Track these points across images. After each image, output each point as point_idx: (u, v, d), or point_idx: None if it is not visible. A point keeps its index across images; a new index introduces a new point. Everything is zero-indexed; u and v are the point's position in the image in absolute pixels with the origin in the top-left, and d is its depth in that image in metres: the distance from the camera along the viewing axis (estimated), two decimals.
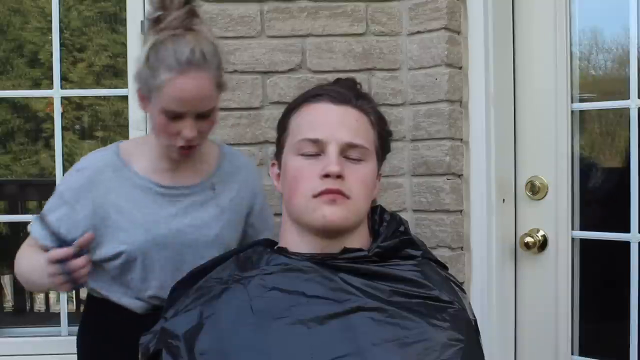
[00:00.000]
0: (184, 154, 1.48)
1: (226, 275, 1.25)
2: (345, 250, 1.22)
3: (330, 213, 1.19)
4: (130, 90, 2.00)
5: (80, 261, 1.36)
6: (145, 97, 1.47)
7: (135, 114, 2.00)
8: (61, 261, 1.35)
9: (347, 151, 1.23)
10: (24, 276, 1.54)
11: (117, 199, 1.49)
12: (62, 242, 1.45)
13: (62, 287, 1.38)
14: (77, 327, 1.69)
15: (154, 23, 1.43)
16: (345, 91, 1.28)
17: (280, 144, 1.31)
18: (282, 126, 1.31)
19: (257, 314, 1.15)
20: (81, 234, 1.46)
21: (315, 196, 1.20)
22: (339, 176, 1.19)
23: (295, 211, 1.23)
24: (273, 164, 1.35)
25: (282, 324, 1.13)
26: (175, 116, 1.41)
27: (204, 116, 1.44)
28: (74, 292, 3.85)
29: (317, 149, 1.22)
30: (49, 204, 1.55)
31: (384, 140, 1.32)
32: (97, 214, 1.49)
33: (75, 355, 1.68)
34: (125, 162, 1.52)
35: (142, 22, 1.98)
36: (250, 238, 1.61)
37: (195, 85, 1.40)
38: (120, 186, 1.50)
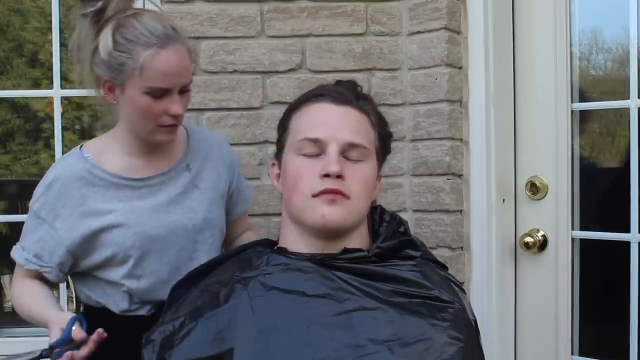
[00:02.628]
0: (172, 133, 1.45)
1: (227, 277, 1.25)
2: (345, 251, 1.22)
3: (329, 213, 1.19)
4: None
5: (82, 351, 1.32)
6: (115, 87, 1.42)
7: None
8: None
9: (347, 151, 1.23)
10: (24, 316, 1.51)
11: (95, 204, 1.44)
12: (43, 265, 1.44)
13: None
14: None
15: (97, 15, 1.40)
16: (346, 92, 1.28)
17: (280, 144, 1.32)
18: (283, 126, 1.32)
19: (257, 314, 1.15)
20: (65, 252, 1.44)
21: (314, 195, 1.20)
22: (339, 176, 1.19)
23: (294, 210, 1.24)
24: (273, 164, 1.35)
25: (282, 324, 1.14)
26: (161, 94, 1.38)
27: (184, 91, 1.43)
28: (74, 292, 3.85)
29: (318, 148, 1.22)
30: (27, 225, 1.49)
31: (384, 141, 1.32)
32: (77, 226, 1.44)
33: None
34: (95, 163, 1.47)
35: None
36: (227, 210, 1.60)
37: (178, 57, 1.39)
38: (95, 190, 1.45)
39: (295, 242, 1.25)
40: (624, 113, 1.91)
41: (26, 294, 1.48)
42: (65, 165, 1.49)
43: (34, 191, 1.48)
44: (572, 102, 1.94)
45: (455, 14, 1.92)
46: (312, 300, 1.15)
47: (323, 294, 1.16)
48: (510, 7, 1.97)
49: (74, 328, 1.31)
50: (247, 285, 1.20)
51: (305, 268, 1.19)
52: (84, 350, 1.31)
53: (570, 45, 1.94)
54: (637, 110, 1.84)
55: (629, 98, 1.86)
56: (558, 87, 1.92)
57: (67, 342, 1.30)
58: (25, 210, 3.95)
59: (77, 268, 1.49)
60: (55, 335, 1.34)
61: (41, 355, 1.30)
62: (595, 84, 2.07)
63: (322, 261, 1.21)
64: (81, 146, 1.52)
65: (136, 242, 1.45)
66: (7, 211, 3.96)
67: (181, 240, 1.48)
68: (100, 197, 1.45)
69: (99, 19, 1.40)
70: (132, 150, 1.49)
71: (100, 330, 1.32)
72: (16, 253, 1.49)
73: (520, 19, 1.97)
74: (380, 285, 1.17)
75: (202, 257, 1.49)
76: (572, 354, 1.96)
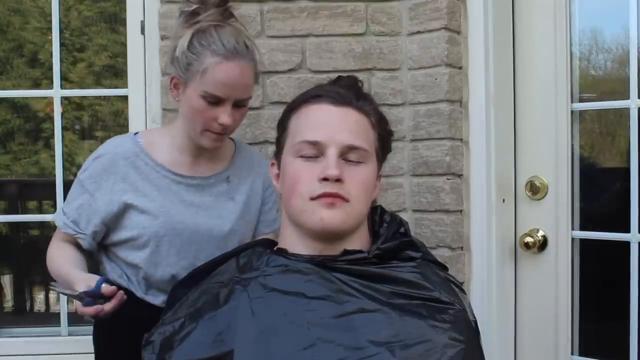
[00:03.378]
0: (217, 140, 1.52)
1: (227, 278, 1.25)
2: (345, 252, 1.22)
3: (328, 216, 1.19)
4: (130, 90, 2.02)
5: (107, 306, 1.37)
6: (179, 84, 1.52)
7: (135, 110, 2.01)
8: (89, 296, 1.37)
9: (346, 153, 1.22)
10: (55, 275, 1.56)
11: (135, 183, 1.53)
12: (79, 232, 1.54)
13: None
14: (82, 326, 1.69)
15: (190, 16, 1.50)
16: (346, 92, 1.27)
17: (279, 144, 1.31)
18: (282, 126, 1.31)
19: (258, 316, 1.15)
20: (100, 222, 1.53)
21: (313, 199, 1.19)
22: (338, 179, 1.19)
23: (293, 213, 1.23)
24: (272, 164, 1.34)
25: (282, 325, 1.13)
26: (215, 101, 1.47)
27: (240, 105, 1.51)
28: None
29: (317, 151, 1.22)
30: (71, 192, 1.59)
31: (384, 141, 1.31)
32: (115, 198, 1.52)
33: (76, 355, 1.68)
34: (144, 149, 1.56)
35: (141, 22, 1.98)
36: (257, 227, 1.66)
37: (240, 72, 1.47)
38: (138, 171, 1.53)
39: (295, 243, 1.25)
40: (624, 113, 1.91)
41: (60, 255, 1.56)
42: (116, 143, 1.59)
43: (84, 162, 1.58)
44: (572, 102, 1.94)
45: (455, 14, 1.92)
46: (312, 302, 1.15)
47: (323, 296, 1.16)
48: (510, 7, 1.97)
49: (103, 285, 1.38)
50: (247, 286, 1.20)
51: (305, 269, 1.19)
52: (109, 306, 1.37)
53: (570, 45, 1.94)
54: (637, 110, 1.84)
55: (629, 98, 1.86)
56: (558, 87, 1.92)
57: (95, 296, 1.36)
58: (25, 211, 3.98)
59: (107, 240, 1.57)
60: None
61: (79, 297, 1.37)
62: (595, 84, 2.07)
63: (322, 263, 1.20)
64: (136, 133, 1.62)
65: (161, 230, 1.52)
66: (7, 211, 3.95)
67: (203, 242, 1.54)
68: (140, 180, 1.53)
69: (190, 22, 1.50)
70: (181, 148, 1.57)
71: (121, 291, 1.40)
72: (57, 216, 1.60)
73: (520, 19, 1.97)
74: (381, 286, 1.17)
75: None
76: (572, 354, 1.96)
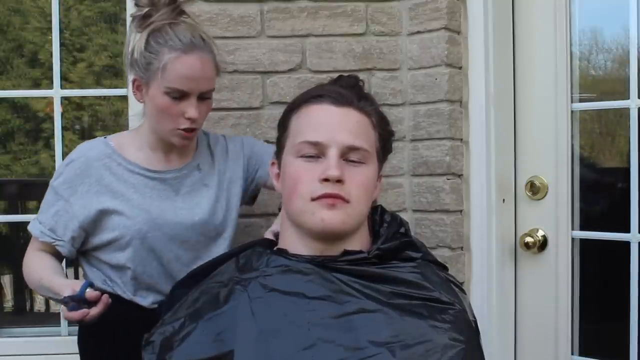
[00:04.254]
0: (186, 137, 1.53)
1: (227, 278, 1.25)
2: (345, 253, 1.22)
3: (328, 217, 1.19)
4: (131, 90, 2.01)
5: (93, 310, 1.37)
6: (141, 86, 1.53)
7: (135, 110, 2.00)
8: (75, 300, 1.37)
9: (347, 154, 1.22)
10: (33, 285, 1.57)
11: (110, 185, 1.54)
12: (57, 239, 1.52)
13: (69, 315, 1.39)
14: (77, 328, 1.69)
15: (142, 19, 1.50)
16: (347, 92, 1.27)
17: (280, 143, 1.31)
18: (283, 126, 1.31)
19: (258, 316, 1.15)
20: (78, 227, 1.52)
21: (314, 199, 1.19)
22: (338, 180, 1.19)
23: (294, 213, 1.23)
24: (273, 164, 1.34)
25: (282, 326, 1.13)
26: (179, 96, 1.48)
27: (204, 98, 1.52)
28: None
29: (317, 151, 1.22)
30: (45, 201, 1.58)
31: (385, 141, 1.31)
32: (91, 202, 1.52)
33: (76, 355, 1.68)
34: (116, 150, 1.57)
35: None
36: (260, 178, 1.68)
37: (200, 64, 1.48)
38: (112, 172, 1.54)
39: (295, 243, 1.24)
40: (624, 113, 1.91)
41: (39, 264, 1.55)
42: (88, 147, 1.59)
43: (56, 169, 1.60)
44: (572, 102, 1.94)
45: (455, 14, 1.92)
46: (312, 302, 1.15)
47: (323, 296, 1.16)
48: (510, 7, 1.97)
49: (87, 290, 1.37)
50: (247, 286, 1.20)
51: (306, 270, 1.19)
52: (95, 310, 1.36)
53: (570, 45, 1.94)
54: (637, 110, 1.84)
55: (629, 98, 1.86)
56: (558, 87, 1.92)
57: (80, 300, 1.36)
58: (25, 210, 3.98)
59: (87, 245, 1.56)
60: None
61: (64, 301, 1.37)
62: (595, 84, 2.07)
63: (322, 263, 1.20)
64: (105, 136, 1.63)
65: (143, 227, 1.52)
66: (7, 211, 3.95)
67: (186, 232, 1.56)
68: (115, 181, 1.54)
69: (143, 25, 1.51)
70: (152, 146, 1.58)
71: (106, 295, 1.39)
72: (32, 226, 1.58)
73: (520, 19, 1.97)
74: (381, 287, 1.17)
75: (204, 251, 1.57)
76: (572, 354, 1.96)
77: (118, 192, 1.53)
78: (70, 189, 1.53)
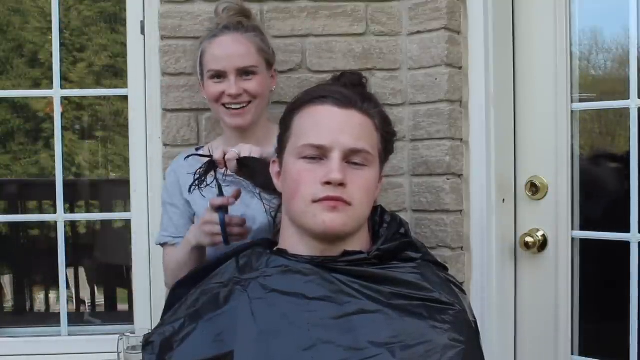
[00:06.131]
0: (237, 115, 1.59)
1: (227, 279, 1.25)
2: (345, 253, 1.22)
3: (330, 220, 1.19)
4: (130, 90, 2.02)
5: (236, 219, 1.44)
6: (201, 84, 1.67)
7: (135, 110, 2.01)
8: (220, 210, 1.42)
9: (350, 156, 1.22)
10: (179, 264, 1.60)
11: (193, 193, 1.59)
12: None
13: (217, 238, 1.44)
14: (82, 326, 1.70)
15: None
16: (350, 93, 1.26)
17: (282, 142, 1.30)
18: (285, 125, 1.30)
19: (258, 317, 1.15)
20: (188, 222, 1.67)
21: (315, 202, 1.19)
22: (340, 184, 1.19)
23: (295, 214, 1.23)
24: (274, 162, 1.34)
25: (282, 326, 1.13)
26: (218, 76, 1.59)
27: (247, 73, 1.59)
28: (73, 291, 3.85)
29: (320, 153, 1.21)
30: (162, 215, 1.74)
31: (387, 142, 1.31)
32: (186, 207, 1.68)
33: (76, 355, 1.68)
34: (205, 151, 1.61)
35: (141, 22, 1.98)
36: None
37: (232, 42, 1.59)
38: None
39: (295, 243, 1.24)
40: (623, 113, 1.91)
41: (178, 252, 1.63)
42: (177, 158, 1.73)
43: None
44: (572, 102, 1.93)
45: (455, 14, 1.92)
46: (312, 303, 1.15)
47: (323, 297, 1.16)
48: (510, 7, 1.97)
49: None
50: (247, 287, 1.20)
51: (305, 270, 1.19)
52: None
53: (570, 45, 1.94)
54: (637, 110, 1.84)
55: (629, 98, 1.86)
56: (558, 87, 1.92)
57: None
58: (25, 211, 3.98)
59: None
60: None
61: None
62: (595, 84, 2.07)
63: (322, 263, 1.20)
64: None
65: None
66: (7, 211, 3.95)
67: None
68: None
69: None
70: (228, 138, 1.67)
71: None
72: (158, 238, 1.73)
73: (520, 19, 1.97)
74: (381, 287, 1.17)
75: None
76: (572, 354, 1.96)
77: (196, 200, 1.59)
78: (170, 196, 1.71)
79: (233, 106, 1.60)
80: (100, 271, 4.15)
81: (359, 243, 1.25)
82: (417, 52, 1.94)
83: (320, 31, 1.94)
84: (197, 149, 1.70)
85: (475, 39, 1.92)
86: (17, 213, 3.77)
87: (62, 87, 2.12)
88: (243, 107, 1.60)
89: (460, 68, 1.92)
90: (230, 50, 1.58)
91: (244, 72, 1.59)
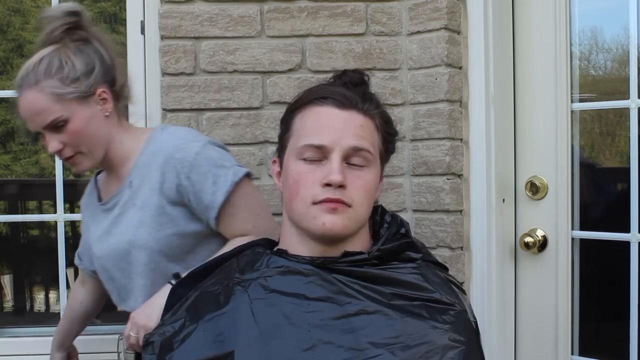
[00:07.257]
0: (74, 164, 1.51)
1: (227, 279, 1.25)
2: (346, 254, 1.22)
3: (330, 221, 1.18)
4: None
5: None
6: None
7: (135, 110, 2.00)
8: None
9: (350, 156, 1.21)
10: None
11: (85, 219, 1.67)
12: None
13: None
14: None
15: None
16: (351, 93, 1.25)
17: (282, 142, 1.30)
18: (285, 125, 1.30)
19: (258, 317, 1.15)
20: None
21: (315, 203, 1.19)
22: (340, 185, 1.18)
23: (295, 216, 1.23)
24: (274, 161, 1.34)
25: (283, 327, 1.13)
26: (37, 133, 1.48)
27: (57, 128, 1.45)
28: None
29: (320, 154, 1.21)
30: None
31: (388, 142, 1.30)
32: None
33: None
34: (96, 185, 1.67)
35: (141, 22, 1.98)
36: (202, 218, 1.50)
37: (27, 103, 1.45)
38: (86, 208, 1.67)
39: (296, 244, 1.24)
40: (623, 113, 1.91)
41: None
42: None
43: None
44: (572, 102, 1.93)
45: (455, 14, 1.92)
46: (312, 304, 1.15)
47: (324, 297, 1.15)
48: (510, 7, 1.97)
49: None
50: (248, 287, 1.20)
51: (306, 271, 1.19)
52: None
53: (570, 45, 1.94)
54: (637, 110, 1.84)
55: (629, 98, 1.86)
56: (558, 87, 1.92)
57: None
58: (25, 211, 3.97)
59: None
60: None
61: None
62: (595, 84, 2.07)
63: (322, 264, 1.20)
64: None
65: (94, 263, 1.62)
66: (7, 211, 3.96)
67: (118, 261, 1.53)
68: (84, 214, 1.69)
69: None
70: (107, 176, 1.62)
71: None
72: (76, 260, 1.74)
73: (520, 19, 1.97)
74: (381, 288, 1.17)
75: (137, 279, 1.50)
76: (572, 354, 1.96)
77: (85, 226, 1.68)
78: (84, 221, 1.71)
79: (62, 157, 1.48)
80: None
81: (360, 243, 1.25)
82: (417, 52, 1.94)
83: (320, 31, 1.94)
84: (97, 174, 1.67)
85: (475, 39, 1.92)
86: (17, 213, 3.77)
87: None
88: (72, 157, 1.48)
89: (460, 68, 1.92)
90: (29, 112, 1.44)
91: (53, 127, 1.44)
